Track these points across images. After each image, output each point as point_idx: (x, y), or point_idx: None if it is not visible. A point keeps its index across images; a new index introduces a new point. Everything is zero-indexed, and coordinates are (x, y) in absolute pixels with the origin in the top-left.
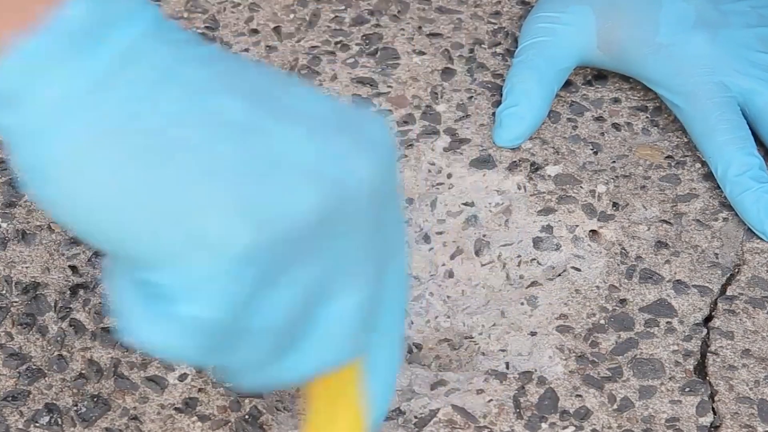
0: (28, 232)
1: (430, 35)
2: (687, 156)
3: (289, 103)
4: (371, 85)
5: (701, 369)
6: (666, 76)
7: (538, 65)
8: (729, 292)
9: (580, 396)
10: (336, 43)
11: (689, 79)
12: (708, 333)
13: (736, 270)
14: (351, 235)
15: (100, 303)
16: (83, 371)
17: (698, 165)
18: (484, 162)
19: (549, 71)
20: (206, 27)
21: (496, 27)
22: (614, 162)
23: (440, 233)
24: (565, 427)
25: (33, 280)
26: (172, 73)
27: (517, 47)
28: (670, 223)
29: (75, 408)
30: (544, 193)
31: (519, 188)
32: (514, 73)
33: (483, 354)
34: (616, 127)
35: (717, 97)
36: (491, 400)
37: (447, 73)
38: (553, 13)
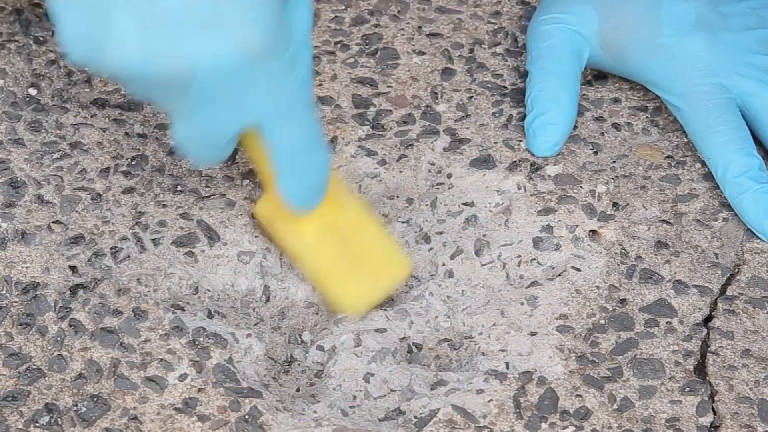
0: (28, 232)
1: (430, 35)
2: (687, 156)
3: None
4: (371, 85)
5: (701, 369)
6: (665, 78)
7: (556, 70)
8: (729, 292)
9: (580, 396)
10: (336, 43)
11: (688, 81)
12: (708, 333)
13: (736, 270)
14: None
15: (99, 303)
16: (83, 371)
17: (698, 165)
18: (484, 162)
19: (568, 73)
20: None
21: (496, 27)
22: (614, 162)
23: (440, 233)
24: (565, 427)
25: (33, 280)
26: None
27: (517, 47)
28: (670, 223)
29: (75, 408)
30: (544, 193)
31: (519, 188)
32: (535, 81)
33: (483, 354)
34: (616, 127)
35: (716, 99)
36: (491, 400)
37: (447, 73)
38: (557, 14)
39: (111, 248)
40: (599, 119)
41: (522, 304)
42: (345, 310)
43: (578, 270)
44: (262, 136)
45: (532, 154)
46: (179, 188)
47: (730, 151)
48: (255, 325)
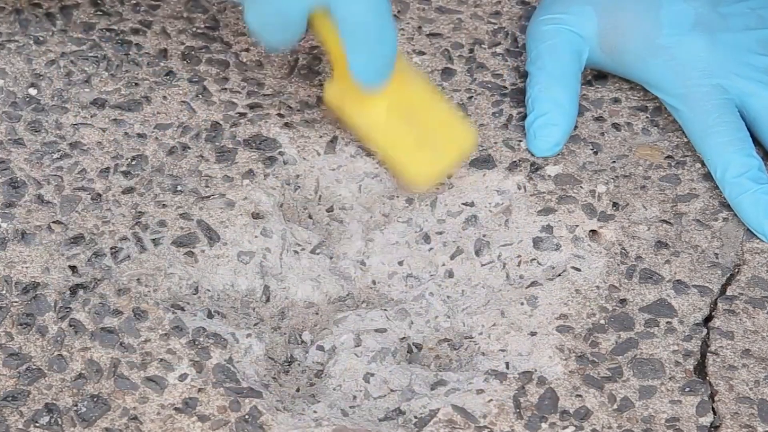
0: (28, 232)
1: (430, 35)
2: (687, 156)
3: None
4: None
5: (701, 369)
6: (664, 79)
7: (556, 70)
8: (729, 292)
9: (580, 396)
10: None
11: (688, 82)
12: (708, 333)
13: (736, 270)
14: None
15: (100, 303)
16: (83, 371)
17: (698, 165)
18: (484, 162)
19: (568, 74)
20: (206, 27)
21: (496, 27)
22: (614, 162)
23: (440, 233)
24: (565, 427)
25: (33, 280)
26: None
27: (517, 47)
28: (670, 223)
29: (75, 408)
30: (544, 193)
31: (519, 188)
32: (535, 82)
33: (483, 354)
34: (616, 127)
35: (715, 100)
36: (491, 400)
37: (447, 73)
38: (557, 14)
39: (111, 248)
40: (599, 119)
41: (522, 304)
42: (415, 183)
43: (578, 270)
44: (331, 14)
45: (532, 154)
46: (179, 188)
47: (729, 151)
48: (255, 325)
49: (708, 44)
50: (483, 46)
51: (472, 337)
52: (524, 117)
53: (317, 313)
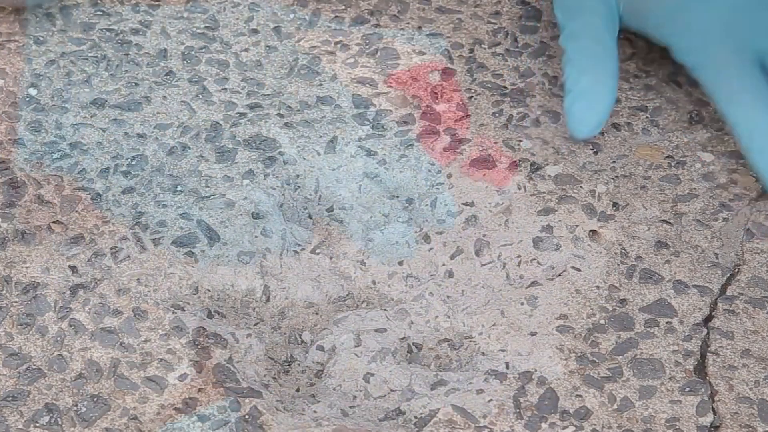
0: (28, 232)
1: (430, 35)
2: (687, 156)
3: None
4: (371, 85)
5: (701, 369)
6: (687, 39)
7: (594, 51)
8: (729, 292)
9: (580, 396)
10: (336, 43)
11: (710, 41)
12: (708, 333)
13: (736, 270)
14: None
15: (100, 303)
16: (83, 371)
17: (698, 165)
18: (484, 162)
19: (605, 51)
20: (206, 27)
21: (496, 27)
22: (614, 162)
23: (440, 233)
24: (565, 427)
25: (33, 280)
26: None
27: (517, 47)
28: (670, 223)
29: (75, 408)
30: (544, 193)
31: (519, 188)
32: (574, 63)
33: (483, 354)
34: (616, 127)
35: (739, 59)
36: (491, 400)
37: (447, 73)
38: None
39: (111, 248)
40: None
41: (522, 304)
42: None
43: (578, 270)
44: None
45: (574, 137)
46: (179, 188)
47: (754, 114)
48: (255, 325)
49: (731, 3)
50: (483, 46)
51: (472, 337)
52: (524, 117)
53: (317, 313)
